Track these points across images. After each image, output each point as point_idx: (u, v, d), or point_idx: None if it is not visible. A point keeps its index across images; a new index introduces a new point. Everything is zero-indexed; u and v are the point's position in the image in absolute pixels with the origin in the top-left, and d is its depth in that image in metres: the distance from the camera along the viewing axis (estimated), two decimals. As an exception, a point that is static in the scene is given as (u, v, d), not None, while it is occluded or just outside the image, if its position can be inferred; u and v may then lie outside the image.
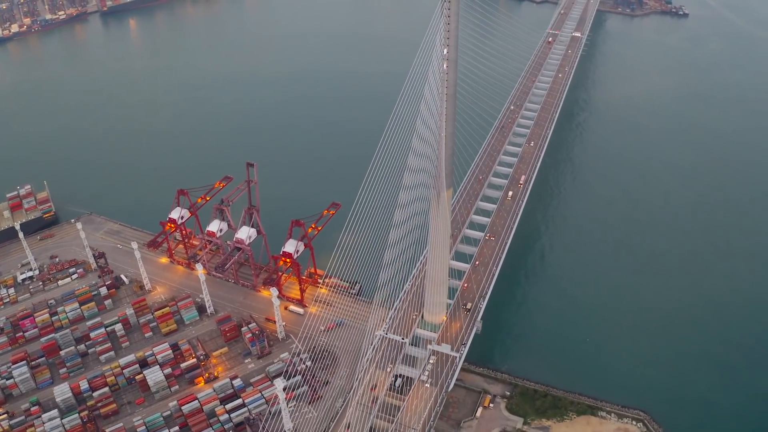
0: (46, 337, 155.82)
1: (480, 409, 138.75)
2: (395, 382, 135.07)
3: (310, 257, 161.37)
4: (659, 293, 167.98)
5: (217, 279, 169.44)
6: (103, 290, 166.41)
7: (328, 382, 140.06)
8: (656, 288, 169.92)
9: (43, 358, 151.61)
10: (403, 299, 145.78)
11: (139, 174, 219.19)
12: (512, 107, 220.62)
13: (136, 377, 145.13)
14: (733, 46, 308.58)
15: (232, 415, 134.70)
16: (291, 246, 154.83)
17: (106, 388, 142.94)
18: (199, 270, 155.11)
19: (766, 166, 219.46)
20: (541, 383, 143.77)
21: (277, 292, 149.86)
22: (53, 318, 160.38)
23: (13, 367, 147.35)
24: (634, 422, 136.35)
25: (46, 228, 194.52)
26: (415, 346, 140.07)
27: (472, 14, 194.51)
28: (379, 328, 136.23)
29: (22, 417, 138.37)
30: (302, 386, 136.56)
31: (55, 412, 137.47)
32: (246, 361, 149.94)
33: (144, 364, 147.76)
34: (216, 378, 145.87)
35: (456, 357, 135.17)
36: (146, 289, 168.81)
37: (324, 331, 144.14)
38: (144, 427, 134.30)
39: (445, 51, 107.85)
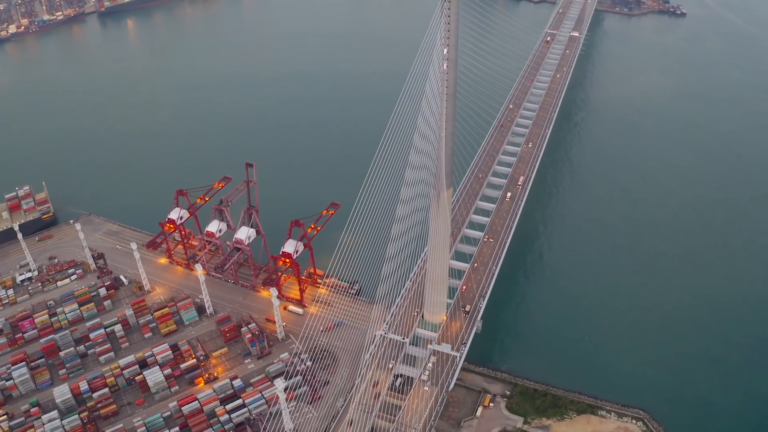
0: (45, 338, 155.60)
1: (480, 409, 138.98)
2: (396, 381, 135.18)
3: (309, 257, 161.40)
4: (658, 292, 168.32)
5: (216, 279, 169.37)
6: (103, 291, 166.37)
7: (328, 382, 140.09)
8: (655, 287, 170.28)
9: (43, 359, 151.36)
10: (403, 298, 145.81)
11: (137, 174, 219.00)
12: (511, 106, 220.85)
13: (136, 378, 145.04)
14: (730, 46, 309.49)
15: (233, 416, 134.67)
16: (290, 246, 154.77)
17: (106, 389, 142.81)
18: (199, 270, 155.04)
19: (765, 165, 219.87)
20: (541, 382, 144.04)
21: (277, 293, 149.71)
22: (52, 319, 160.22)
23: (12, 368, 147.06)
24: (633, 421, 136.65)
25: (45, 229, 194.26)
26: (416, 345, 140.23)
27: (471, 14, 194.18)
28: (379, 327, 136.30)
29: (22, 418, 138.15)
30: (302, 386, 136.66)
31: (54, 414, 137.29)
32: (246, 361, 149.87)
33: (144, 364, 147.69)
34: (216, 378, 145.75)
35: (456, 356, 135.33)
36: (145, 289, 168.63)
37: (323, 331, 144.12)
38: (144, 428, 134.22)
39: (445, 51, 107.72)
